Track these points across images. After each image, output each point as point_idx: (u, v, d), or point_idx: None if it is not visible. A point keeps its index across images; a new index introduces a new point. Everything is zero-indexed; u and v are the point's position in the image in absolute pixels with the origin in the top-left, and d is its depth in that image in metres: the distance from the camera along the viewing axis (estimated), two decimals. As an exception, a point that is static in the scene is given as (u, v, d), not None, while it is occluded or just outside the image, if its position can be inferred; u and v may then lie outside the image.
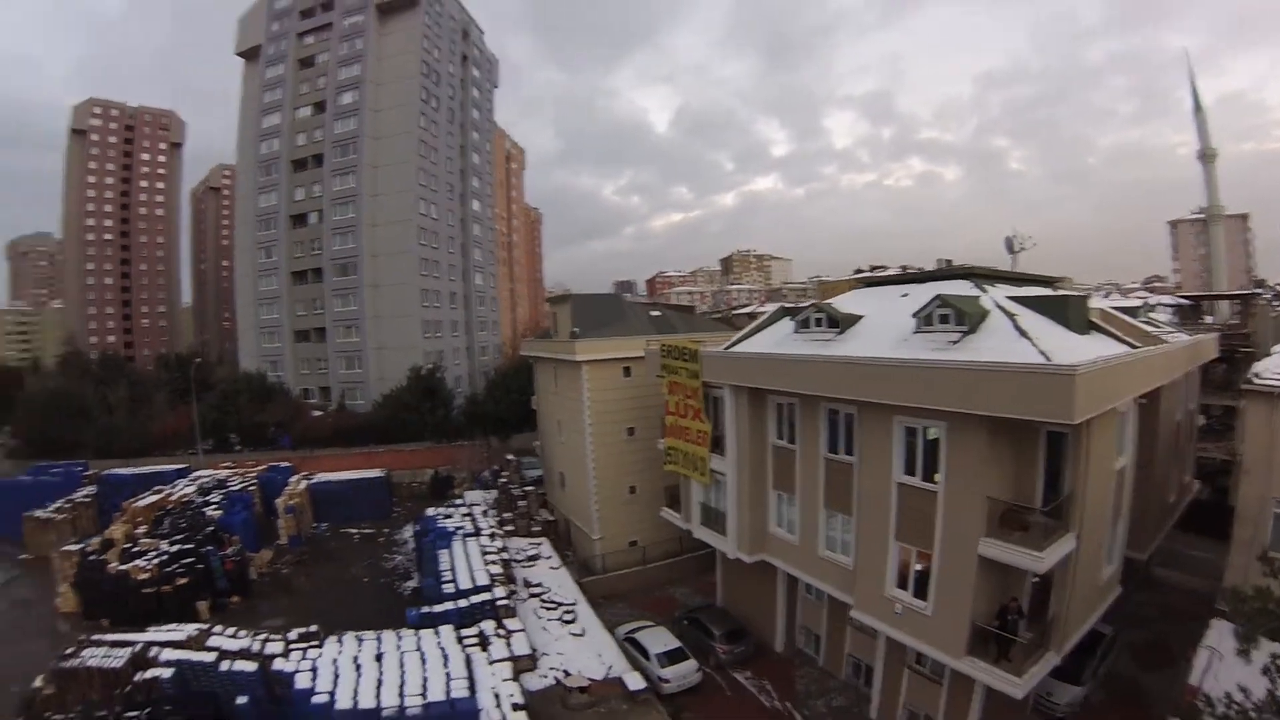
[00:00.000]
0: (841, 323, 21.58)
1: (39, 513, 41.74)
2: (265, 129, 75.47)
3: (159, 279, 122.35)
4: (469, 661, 20.21)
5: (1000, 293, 19.67)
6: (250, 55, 78.31)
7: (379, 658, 20.63)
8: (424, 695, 18.31)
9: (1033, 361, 14.68)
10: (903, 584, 18.24)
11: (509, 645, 21.61)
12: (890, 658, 19.91)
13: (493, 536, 31.80)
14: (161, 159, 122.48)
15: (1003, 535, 15.64)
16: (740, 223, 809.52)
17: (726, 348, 25.82)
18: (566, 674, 20.81)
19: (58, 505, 43.05)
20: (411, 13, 70.70)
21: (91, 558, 32.29)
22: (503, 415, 55.24)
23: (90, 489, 46.77)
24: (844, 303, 24.43)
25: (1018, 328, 16.66)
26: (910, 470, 17.86)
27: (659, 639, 23.94)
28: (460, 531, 31.88)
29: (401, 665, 20.07)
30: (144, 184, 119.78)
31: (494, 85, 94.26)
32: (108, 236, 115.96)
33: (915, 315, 18.73)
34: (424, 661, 20.18)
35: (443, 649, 20.93)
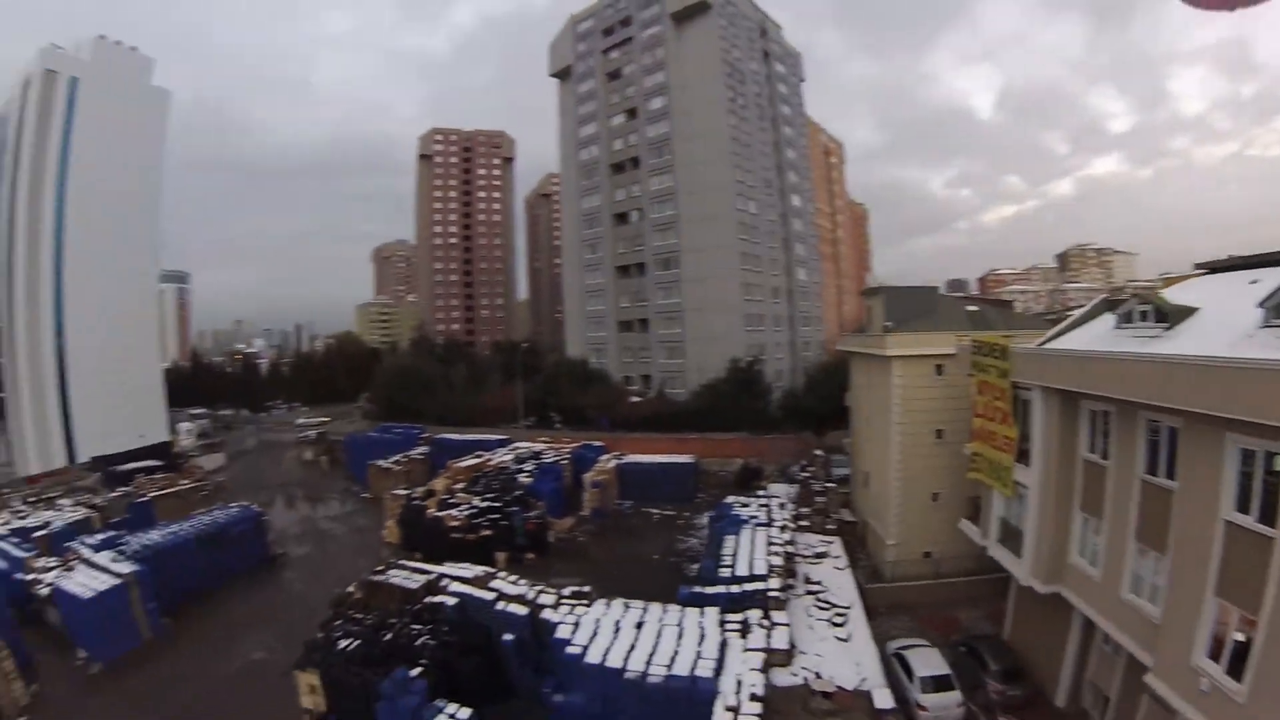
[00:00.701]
0: (1170, 316, 17.29)
1: (381, 462, 51.91)
2: (583, 138, 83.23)
3: (497, 275, 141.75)
4: (724, 645, 19.87)
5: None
6: (563, 75, 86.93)
7: (639, 625, 21.17)
8: (668, 667, 18.42)
9: None
10: (1215, 654, 13.61)
11: (768, 637, 20.78)
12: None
13: (783, 529, 30.74)
14: (496, 173, 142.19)
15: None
16: (1078, 213, 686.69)
17: (1039, 345, 22.30)
18: (817, 676, 19.55)
19: (396, 458, 52.78)
20: (706, 17, 72.00)
21: (415, 502, 39.07)
22: (818, 411, 54.30)
23: (424, 448, 56.74)
24: (1177, 293, 19.52)
25: None
26: (1244, 507, 13.20)
27: (928, 661, 21.36)
28: (752, 520, 31.40)
29: (659, 636, 20.39)
30: (482, 195, 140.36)
31: (799, 79, 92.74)
32: (453, 241, 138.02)
33: (1263, 305, 14.25)
34: (680, 637, 20.30)
35: (702, 628, 20.86)
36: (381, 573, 28.28)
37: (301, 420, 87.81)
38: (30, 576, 31.15)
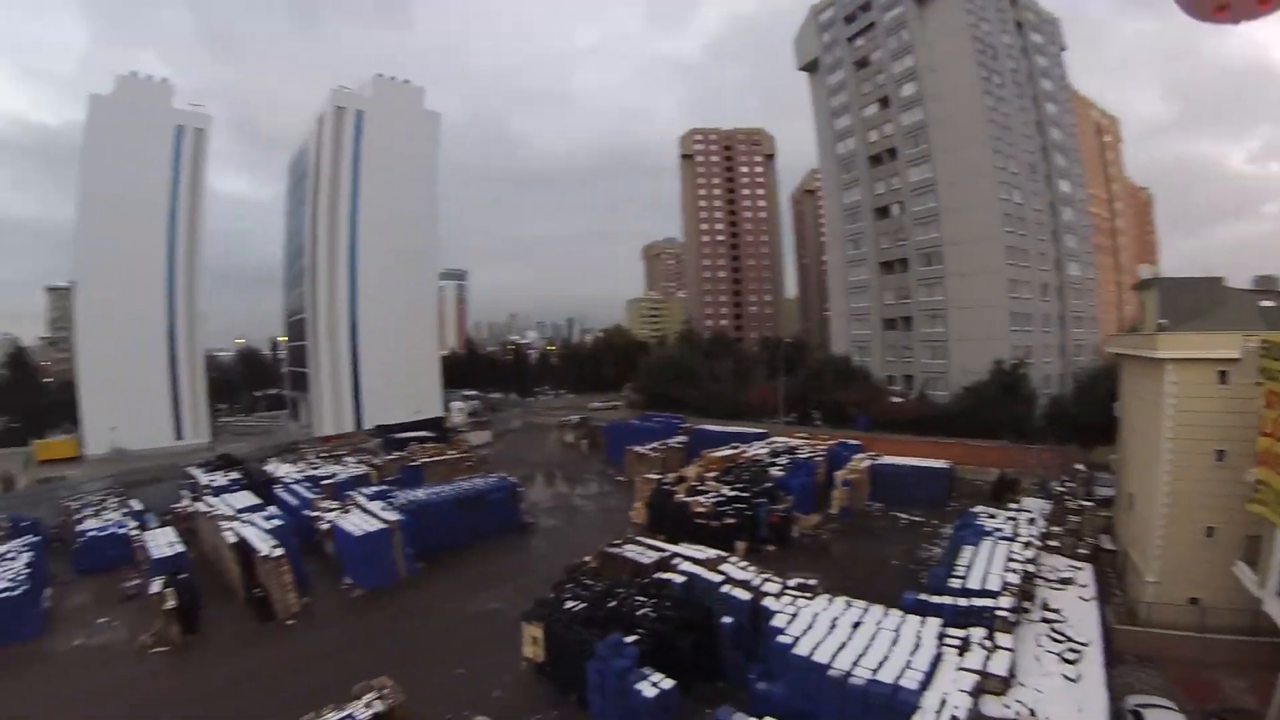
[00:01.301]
0: None
1: (638, 449, 55.47)
2: (839, 130, 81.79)
3: (764, 273, 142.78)
4: (937, 659, 19.57)
5: None
6: (811, 68, 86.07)
7: (856, 625, 21.56)
8: (874, 671, 18.58)
9: None
10: None
11: (987, 659, 19.85)
12: None
13: (1026, 546, 28.75)
14: (758, 170, 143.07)
15: None
16: None
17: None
18: (1031, 713, 17.90)
19: (653, 445, 56.02)
20: (947, -8, 66.49)
21: (664, 487, 41.56)
22: (1087, 421, 49.22)
23: (682, 438, 59.46)
24: None
25: None
26: None
27: (1166, 728, 18.42)
28: (996, 534, 29.93)
29: (872, 638, 20.60)
30: (745, 192, 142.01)
31: (1060, 48, 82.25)
32: (720, 238, 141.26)
33: None
34: (894, 643, 20.32)
35: (919, 638, 20.64)
36: (618, 545, 31.37)
37: (597, 404, 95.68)
38: (315, 514, 39.33)
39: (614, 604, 24.23)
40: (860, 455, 49.53)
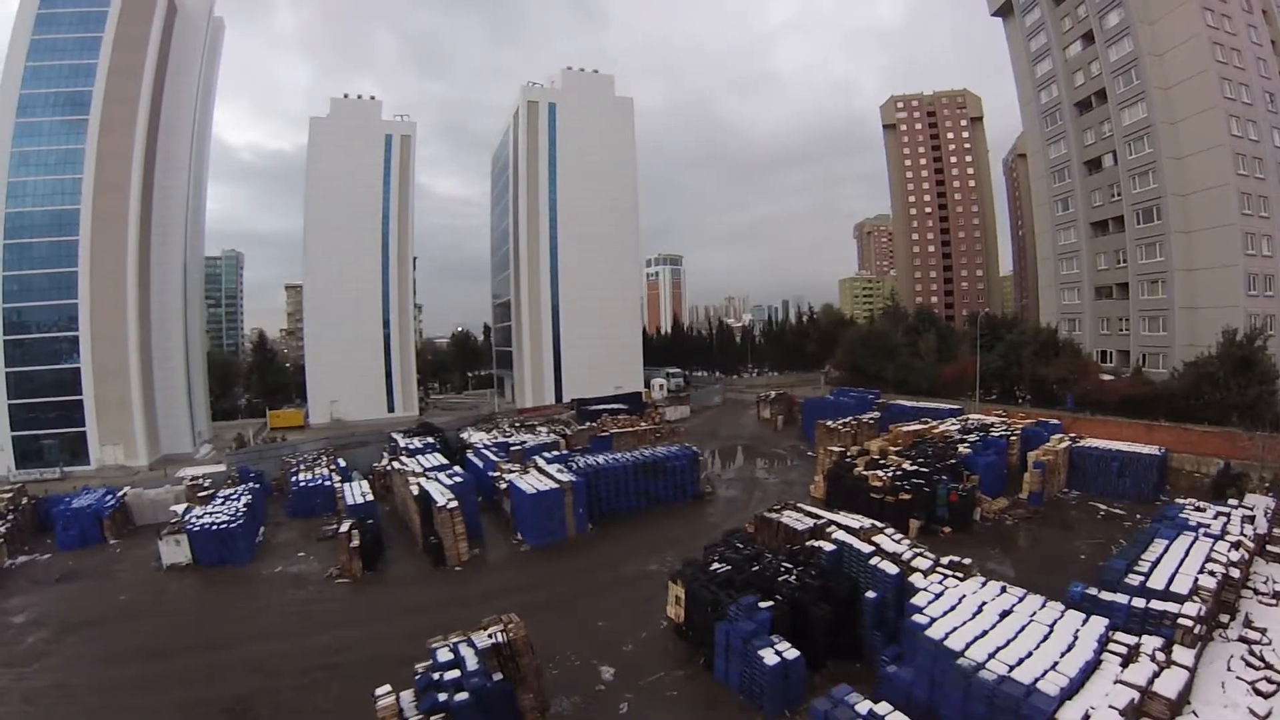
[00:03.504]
0: None
1: (829, 423, 54.64)
2: (1040, 77, 74.33)
3: (976, 245, 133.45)
4: (1093, 665, 17.12)
5: None
6: (1005, 11, 78.47)
7: (1005, 613, 19.68)
8: (1010, 667, 16.60)
9: None
10: None
11: (1155, 676, 16.79)
12: None
13: (1235, 547, 24.43)
14: (965, 135, 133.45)
15: None
16: None
17: None
18: None
19: (845, 419, 54.96)
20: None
21: (846, 460, 40.97)
22: (1342, 408, 40.83)
23: (875, 413, 58.27)
24: None
25: None
26: None
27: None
28: (1201, 529, 26.05)
29: (1021, 630, 18.60)
30: (953, 160, 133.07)
31: None
32: (928, 210, 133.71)
33: None
34: (1046, 638, 18.13)
35: (1075, 638, 18.14)
36: (777, 511, 31.36)
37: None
38: (496, 474, 42.99)
39: (757, 568, 24.09)
40: (1059, 436, 45.40)
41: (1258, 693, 17.64)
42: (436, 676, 17.82)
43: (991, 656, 17.31)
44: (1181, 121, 59.64)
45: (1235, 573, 23.10)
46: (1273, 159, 59.10)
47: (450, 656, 18.64)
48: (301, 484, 45.85)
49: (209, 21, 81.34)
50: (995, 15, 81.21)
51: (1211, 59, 57.44)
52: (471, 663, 18.28)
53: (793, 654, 19.27)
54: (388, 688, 17.63)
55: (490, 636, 19.48)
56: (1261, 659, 19.17)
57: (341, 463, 51.88)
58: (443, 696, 16.95)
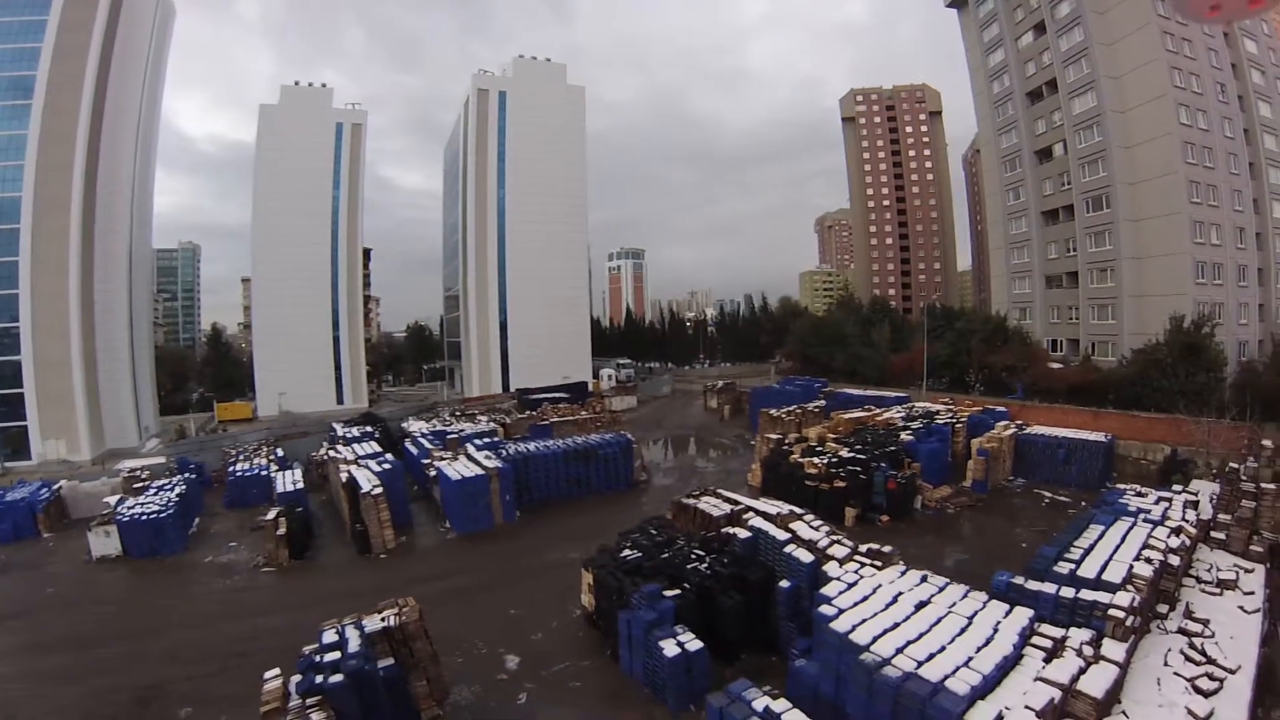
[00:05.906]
0: None
1: (773, 411, 53.28)
2: (993, 68, 73.91)
3: (933, 239, 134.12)
4: (1012, 661, 15.55)
5: None
6: (959, 3, 78.08)
7: (921, 604, 18.12)
8: (918, 663, 15.08)
9: None
10: None
11: (1081, 673, 15.14)
12: None
13: (1176, 533, 22.74)
14: (924, 129, 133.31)
15: None
16: None
17: None
18: None
19: (789, 409, 53.55)
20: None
21: (782, 447, 39.94)
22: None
23: (820, 401, 57.32)
24: None
25: None
26: None
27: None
28: (1141, 514, 24.49)
29: (936, 622, 17.04)
30: (912, 154, 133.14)
31: None
32: (886, 204, 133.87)
33: None
34: (962, 631, 16.56)
35: (996, 631, 16.55)
36: (695, 497, 30.55)
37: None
38: (428, 462, 41.88)
39: (668, 555, 22.95)
40: (1005, 423, 44.73)
41: (1197, 690, 15.85)
42: (318, 659, 16.93)
43: (899, 651, 15.72)
44: (1131, 110, 59.25)
45: (1175, 560, 21.24)
46: (1222, 148, 58.81)
47: (335, 639, 17.81)
48: (238, 474, 45.06)
49: (158, 4, 77.67)
50: (950, 7, 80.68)
51: (1162, 48, 56.92)
52: (354, 645, 17.34)
53: (695, 645, 17.99)
54: (276, 671, 16.95)
55: (382, 620, 18.59)
56: (1203, 653, 17.38)
57: (280, 453, 51.17)
58: (320, 678, 15.93)
